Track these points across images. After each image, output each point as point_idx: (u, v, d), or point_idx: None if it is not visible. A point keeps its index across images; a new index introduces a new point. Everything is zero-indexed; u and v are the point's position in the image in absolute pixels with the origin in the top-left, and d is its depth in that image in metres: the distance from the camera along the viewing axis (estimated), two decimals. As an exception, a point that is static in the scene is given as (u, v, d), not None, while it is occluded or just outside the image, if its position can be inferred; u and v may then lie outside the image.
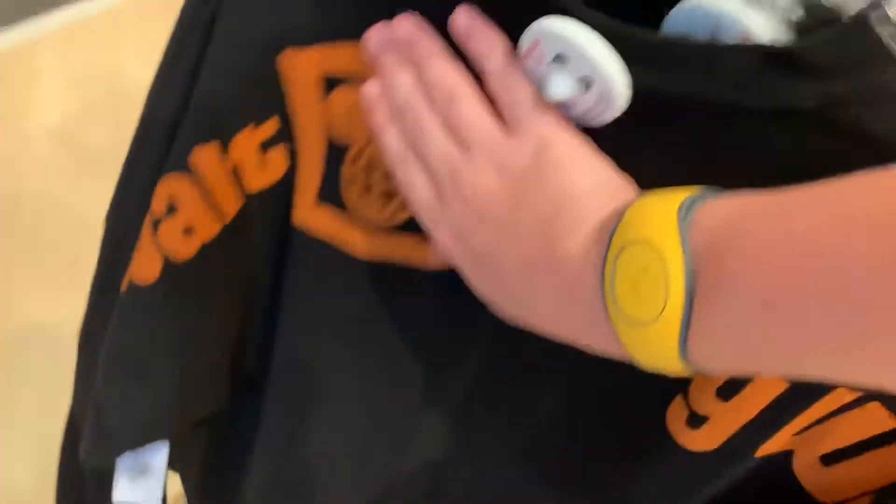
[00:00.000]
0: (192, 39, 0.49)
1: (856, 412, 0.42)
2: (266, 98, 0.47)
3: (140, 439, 0.55)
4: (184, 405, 0.55)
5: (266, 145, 0.48)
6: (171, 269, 0.50)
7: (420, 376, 0.51)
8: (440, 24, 0.42)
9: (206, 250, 0.50)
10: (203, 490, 0.63)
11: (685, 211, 0.34)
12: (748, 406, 0.43)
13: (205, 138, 0.48)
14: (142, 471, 0.56)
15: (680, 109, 0.37)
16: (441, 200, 0.42)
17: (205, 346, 0.54)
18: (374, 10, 0.43)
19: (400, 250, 0.49)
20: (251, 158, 0.49)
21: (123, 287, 0.52)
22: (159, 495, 0.57)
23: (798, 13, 0.36)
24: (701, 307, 0.33)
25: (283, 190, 0.50)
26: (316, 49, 0.46)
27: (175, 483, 0.61)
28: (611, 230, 0.36)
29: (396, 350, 0.51)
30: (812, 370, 0.33)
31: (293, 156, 0.49)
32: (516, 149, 0.40)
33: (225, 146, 0.48)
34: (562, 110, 0.40)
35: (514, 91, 0.40)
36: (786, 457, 0.45)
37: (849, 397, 0.41)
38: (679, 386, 0.44)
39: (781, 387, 0.42)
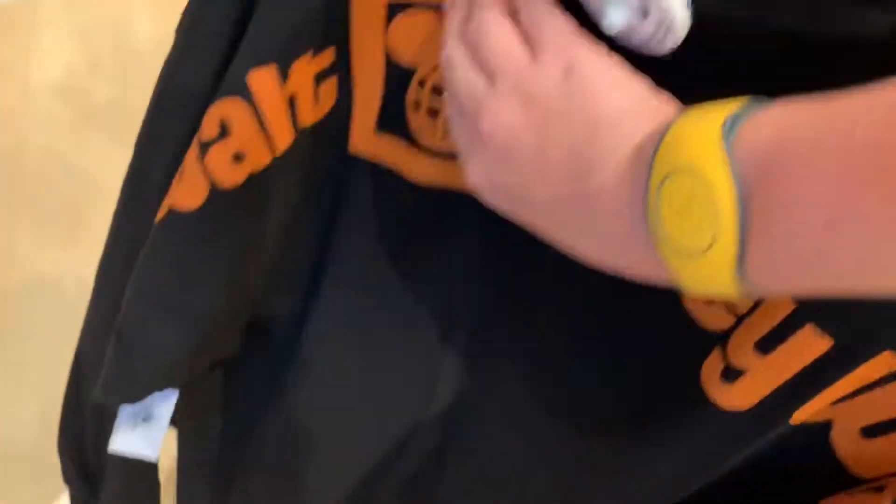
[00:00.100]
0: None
1: None
2: (329, 24, 0.46)
3: (165, 382, 0.54)
4: (210, 346, 0.54)
5: (320, 77, 0.48)
6: (217, 196, 0.48)
7: (458, 304, 0.51)
8: None
9: (253, 181, 0.49)
10: (204, 441, 0.61)
11: (729, 128, 0.32)
12: (787, 363, 0.41)
13: (263, 60, 0.46)
14: (145, 418, 0.54)
15: (742, 38, 0.36)
16: (469, 138, 0.41)
17: (238, 282, 0.53)
18: None
19: (460, 177, 0.48)
20: (307, 91, 0.48)
21: (161, 214, 0.50)
22: (159, 447, 0.55)
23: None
24: (756, 234, 0.31)
25: (336, 122, 0.49)
26: None
27: (166, 457, 0.60)
28: (650, 156, 0.34)
29: (439, 278, 0.51)
30: (879, 281, 0.31)
31: (343, 89, 0.49)
32: (542, 73, 0.38)
33: (284, 72, 0.47)
34: (620, 40, 0.39)
35: (540, 18, 0.39)
36: (823, 427, 0.44)
37: (896, 363, 0.40)
38: (717, 340, 0.43)
39: (824, 346, 0.40)
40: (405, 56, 0.47)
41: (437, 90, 0.47)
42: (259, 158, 0.48)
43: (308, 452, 0.57)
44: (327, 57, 0.48)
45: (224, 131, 0.47)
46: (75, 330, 0.64)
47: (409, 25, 0.46)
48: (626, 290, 0.40)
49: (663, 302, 0.43)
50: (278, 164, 0.49)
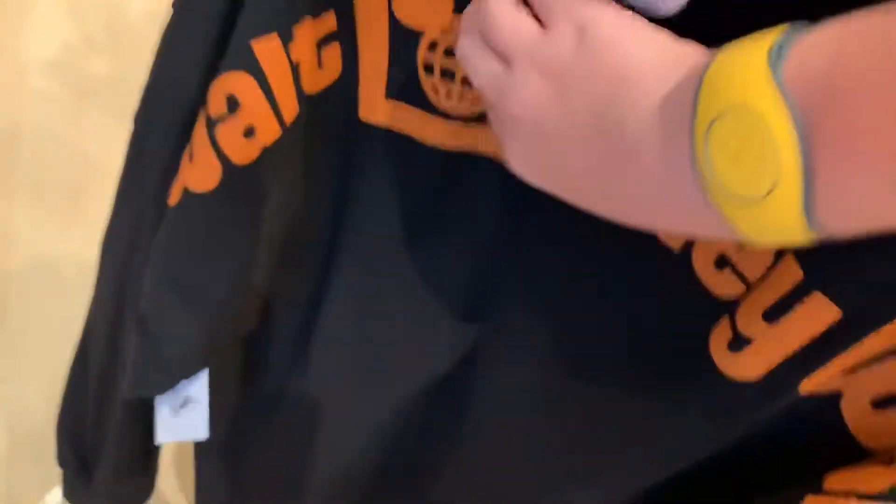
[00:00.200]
0: None
1: None
2: None
3: (195, 367, 0.53)
4: (232, 324, 0.54)
5: (321, 43, 0.47)
6: (233, 174, 0.48)
7: (472, 266, 0.51)
8: None
9: (267, 154, 0.48)
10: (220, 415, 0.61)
11: (776, 59, 0.30)
12: (795, 332, 0.41)
13: (264, 30, 0.46)
14: (183, 404, 0.53)
15: None
16: (503, 127, 0.40)
17: (256, 259, 0.53)
18: None
19: (476, 140, 0.48)
20: (309, 57, 0.47)
21: (176, 197, 0.49)
22: (207, 423, 0.55)
23: None
24: (823, 171, 0.29)
25: (343, 88, 0.49)
26: None
27: (168, 449, 0.59)
28: (691, 103, 0.32)
29: (454, 239, 0.50)
30: None
31: (347, 56, 0.48)
32: (555, 41, 0.37)
33: (286, 40, 0.46)
34: (625, 1, 0.37)
35: None
36: (833, 399, 0.43)
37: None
38: (727, 308, 0.42)
39: (832, 315, 0.40)
40: (412, 18, 0.46)
41: (451, 52, 0.46)
42: (270, 131, 0.47)
43: (321, 423, 0.57)
44: (328, 21, 0.47)
45: (232, 106, 0.46)
46: (76, 310, 0.63)
47: None
48: (637, 256, 0.40)
49: (673, 268, 0.43)
50: (288, 135, 0.48)
